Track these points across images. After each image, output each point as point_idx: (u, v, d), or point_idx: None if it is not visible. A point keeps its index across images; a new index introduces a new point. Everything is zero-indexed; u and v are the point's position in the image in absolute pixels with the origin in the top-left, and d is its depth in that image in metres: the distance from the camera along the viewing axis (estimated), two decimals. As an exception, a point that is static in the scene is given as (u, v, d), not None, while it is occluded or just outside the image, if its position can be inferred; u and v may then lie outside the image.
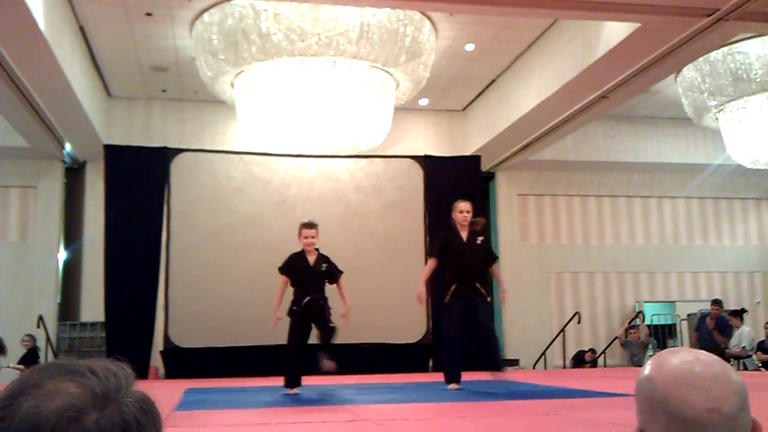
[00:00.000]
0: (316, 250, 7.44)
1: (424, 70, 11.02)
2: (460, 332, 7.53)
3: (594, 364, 14.00)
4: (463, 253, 7.53)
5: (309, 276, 7.36)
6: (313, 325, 7.31)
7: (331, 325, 7.29)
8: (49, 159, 13.44)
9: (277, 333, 11.01)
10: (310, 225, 7.43)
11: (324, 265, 7.41)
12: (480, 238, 7.65)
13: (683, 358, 1.20)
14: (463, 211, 7.61)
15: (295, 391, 7.27)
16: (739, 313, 12.81)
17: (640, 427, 1.21)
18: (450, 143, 14.53)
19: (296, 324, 7.25)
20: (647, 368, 1.22)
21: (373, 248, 11.70)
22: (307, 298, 7.22)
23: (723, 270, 16.27)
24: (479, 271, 7.62)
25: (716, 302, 12.84)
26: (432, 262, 7.73)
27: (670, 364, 1.20)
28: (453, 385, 7.55)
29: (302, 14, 9.73)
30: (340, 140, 11.18)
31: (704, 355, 1.21)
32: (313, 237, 7.38)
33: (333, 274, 7.45)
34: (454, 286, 7.50)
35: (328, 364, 7.23)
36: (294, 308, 7.26)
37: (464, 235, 7.59)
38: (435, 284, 11.77)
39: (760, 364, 12.35)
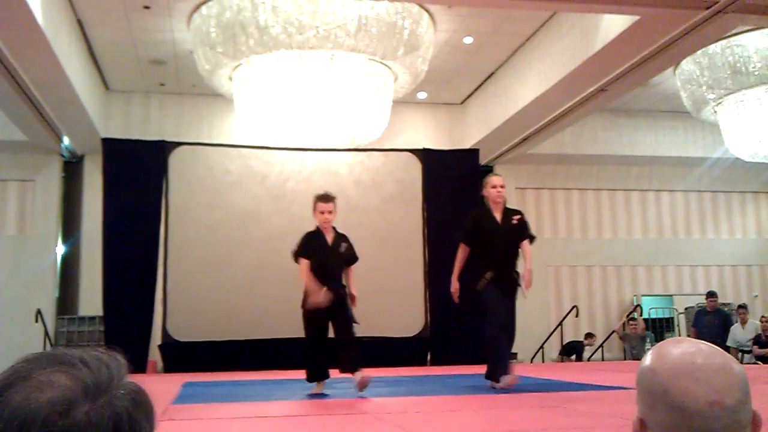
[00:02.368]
0: (333, 228, 6.51)
1: (422, 63, 10.99)
2: (505, 317, 6.54)
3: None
4: (498, 236, 6.55)
5: (327, 257, 6.37)
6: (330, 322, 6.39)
7: (353, 322, 6.45)
8: (47, 152, 13.41)
9: (275, 327, 11.03)
10: (326, 198, 6.42)
11: (344, 245, 6.48)
12: (516, 217, 6.63)
13: (685, 349, 1.19)
14: (496, 186, 6.60)
15: (320, 388, 6.41)
16: (746, 307, 12.87)
17: (640, 417, 1.21)
18: (448, 137, 14.51)
19: (311, 316, 6.32)
20: (649, 358, 1.22)
21: (371, 242, 11.69)
22: (324, 288, 6.25)
23: (720, 263, 16.29)
24: (516, 258, 6.64)
25: (712, 294, 12.84)
26: (463, 251, 6.71)
27: (671, 354, 1.19)
28: (507, 378, 6.50)
29: (300, 7, 9.70)
30: (338, 134, 11.16)
31: (706, 346, 1.20)
32: (330, 212, 6.38)
33: (352, 256, 6.54)
34: (489, 273, 6.49)
35: (362, 379, 6.17)
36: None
37: (498, 215, 6.62)
38: (432, 276, 11.81)
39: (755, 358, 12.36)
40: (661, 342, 1.24)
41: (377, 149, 12.26)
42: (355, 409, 5.42)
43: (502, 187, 6.62)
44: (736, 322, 12.71)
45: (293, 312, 10.64)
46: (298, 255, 6.40)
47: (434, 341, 11.72)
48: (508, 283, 6.55)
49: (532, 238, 6.73)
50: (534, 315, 14.76)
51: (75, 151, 13.70)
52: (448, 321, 11.64)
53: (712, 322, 12.44)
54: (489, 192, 6.60)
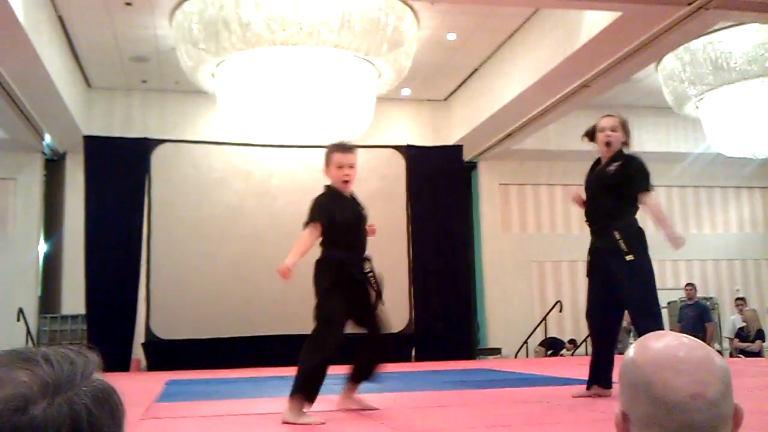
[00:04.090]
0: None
1: (405, 59, 10.99)
2: (598, 310, 5.22)
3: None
4: (589, 188, 5.37)
5: (354, 221, 4.78)
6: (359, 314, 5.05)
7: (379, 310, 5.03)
8: (29, 150, 13.31)
9: (259, 324, 10.99)
10: (346, 147, 4.75)
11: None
12: (616, 164, 5.22)
13: (668, 342, 1.20)
14: (605, 129, 5.17)
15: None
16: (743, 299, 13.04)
17: (622, 410, 1.21)
18: (432, 133, 14.52)
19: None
20: (631, 351, 1.22)
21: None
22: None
23: (703, 258, 16.38)
24: (610, 214, 5.26)
25: (689, 284, 12.95)
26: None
27: (654, 347, 1.19)
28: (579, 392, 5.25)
29: (283, 3, 9.67)
30: (322, 130, 11.13)
31: (688, 339, 1.21)
32: (351, 167, 4.64)
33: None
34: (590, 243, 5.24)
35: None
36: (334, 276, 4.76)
37: (603, 163, 5.31)
38: (417, 272, 11.81)
39: (737, 351, 12.46)
40: (644, 335, 1.24)
41: (361, 146, 12.15)
42: (340, 406, 5.41)
43: (612, 130, 5.20)
44: (715, 316, 12.81)
45: (278, 309, 10.66)
46: (311, 220, 4.64)
47: (418, 337, 11.73)
48: (608, 252, 5.15)
49: (646, 189, 5.29)
50: (518, 310, 14.84)
51: (57, 149, 13.61)
52: (432, 317, 11.66)
53: (689, 314, 12.50)
54: (598, 138, 5.23)
